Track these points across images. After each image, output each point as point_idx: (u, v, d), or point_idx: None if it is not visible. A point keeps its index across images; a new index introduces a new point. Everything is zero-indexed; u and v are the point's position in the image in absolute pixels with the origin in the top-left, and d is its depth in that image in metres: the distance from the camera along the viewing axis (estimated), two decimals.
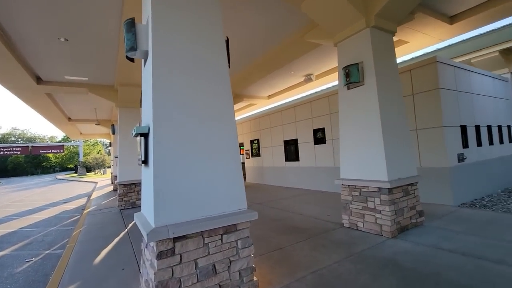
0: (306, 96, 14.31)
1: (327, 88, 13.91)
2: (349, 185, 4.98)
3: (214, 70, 2.81)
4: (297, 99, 14.12)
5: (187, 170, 2.48)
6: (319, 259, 3.59)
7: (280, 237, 4.68)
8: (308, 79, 9.88)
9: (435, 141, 6.39)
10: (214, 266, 2.47)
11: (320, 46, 6.77)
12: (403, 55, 7.96)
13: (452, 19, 6.09)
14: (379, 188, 4.44)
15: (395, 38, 5.26)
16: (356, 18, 4.70)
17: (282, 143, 11.59)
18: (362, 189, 4.74)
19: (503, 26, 8.90)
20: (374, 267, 3.24)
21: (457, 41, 10.12)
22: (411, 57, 11.01)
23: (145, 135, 2.57)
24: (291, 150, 11.09)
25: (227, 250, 2.56)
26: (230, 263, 2.56)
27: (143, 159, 2.59)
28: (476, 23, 6.08)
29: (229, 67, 2.91)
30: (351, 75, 4.76)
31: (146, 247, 2.65)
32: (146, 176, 2.63)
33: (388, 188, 4.31)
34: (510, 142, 8.89)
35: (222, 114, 2.80)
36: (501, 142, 8.42)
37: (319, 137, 9.60)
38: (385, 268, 3.20)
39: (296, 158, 10.80)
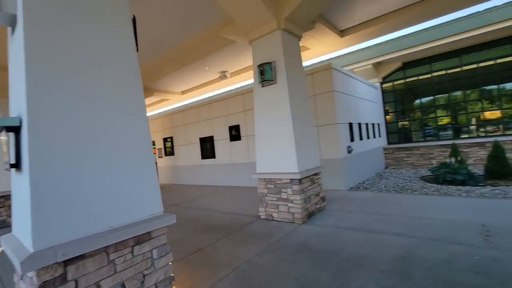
0: (222, 93, 14.31)
1: (242, 86, 14.29)
2: (264, 179, 5.22)
3: (119, 50, 2.34)
4: (213, 96, 13.95)
5: (82, 173, 1.97)
6: (240, 254, 3.60)
7: (199, 237, 4.47)
8: (223, 76, 9.86)
9: (331, 136, 7.49)
10: (123, 285, 2.08)
11: (235, 43, 6.82)
12: (305, 61, 8.95)
13: (342, 33, 7.22)
14: (291, 179, 4.83)
15: (300, 43, 5.82)
16: (268, 19, 4.93)
17: (198, 141, 11.22)
18: (276, 182, 5.06)
19: (375, 44, 11.28)
20: (291, 253, 3.49)
21: (346, 52, 12.21)
22: (310, 63, 12.54)
23: (16, 129, 1.91)
24: (207, 147, 10.87)
25: (140, 263, 2.21)
26: (144, 277, 2.22)
27: (13, 161, 1.92)
28: (359, 38, 7.46)
29: (137, 50, 2.51)
30: (265, 73, 4.98)
31: (21, 279, 2.00)
32: (19, 184, 1.97)
33: (299, 179, 4.73)
34: (379, 136, 11.41)
35: (130, 104, 2.36)
36: (374, 136, 10.69)
37: (234, 134, 9.76)
38: (299, 252, 3.48)
39: (213, 155, 10.66)
